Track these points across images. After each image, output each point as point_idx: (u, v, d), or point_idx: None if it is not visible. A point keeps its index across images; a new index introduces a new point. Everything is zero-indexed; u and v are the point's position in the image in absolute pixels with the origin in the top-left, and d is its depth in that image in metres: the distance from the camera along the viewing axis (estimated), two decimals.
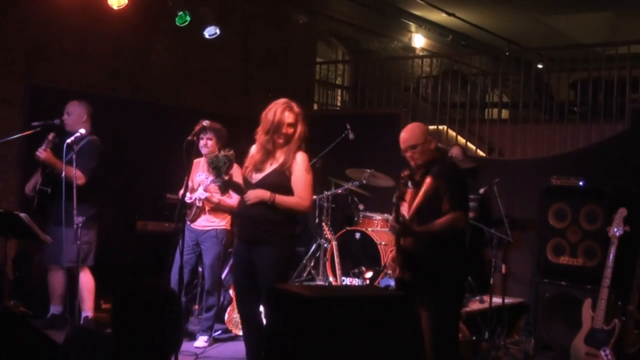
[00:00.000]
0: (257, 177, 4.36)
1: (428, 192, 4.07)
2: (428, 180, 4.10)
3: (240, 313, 4.56)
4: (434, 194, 4.08)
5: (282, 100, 4.38)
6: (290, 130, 4.31)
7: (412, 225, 4.07)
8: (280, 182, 4.29)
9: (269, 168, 4.34)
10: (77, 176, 5.32)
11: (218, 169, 4.27)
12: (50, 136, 5.37)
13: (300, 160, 4.32)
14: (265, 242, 4.28)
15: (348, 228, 6.96)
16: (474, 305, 6.21)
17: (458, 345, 4.54)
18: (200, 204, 5.64)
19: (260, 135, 4.38)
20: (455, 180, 4.21)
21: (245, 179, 4.42)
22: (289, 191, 4.30)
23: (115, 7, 6.03)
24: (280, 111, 4.31)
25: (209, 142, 5.60)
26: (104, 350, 2.78)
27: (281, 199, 4.26)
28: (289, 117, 4.30)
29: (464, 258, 4.32)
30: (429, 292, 4.12)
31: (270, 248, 4.27)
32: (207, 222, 5.68)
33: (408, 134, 4.27)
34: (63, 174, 5.21)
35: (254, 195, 4.26)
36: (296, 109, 4.34)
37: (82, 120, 5.62)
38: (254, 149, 4.45)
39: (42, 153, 5.33)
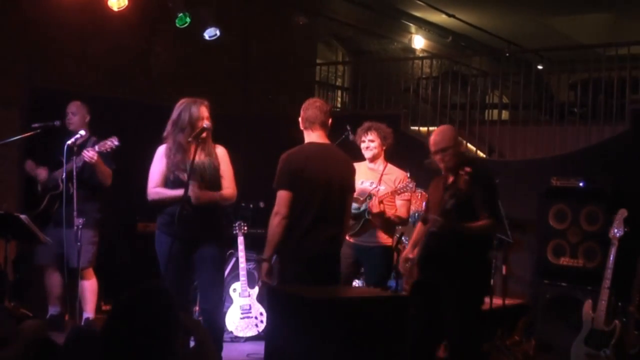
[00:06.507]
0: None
1: (461, 196, 4.07)
2: (463, 182, 4.10)
3: None
4: (466, 199, 4.08)
5: (188, 99, 4.54)
6: (209, 123, 4.50)
7: (454, 222, 4.08)
8: (216, 175, 4.53)
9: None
10: (110, 177, 5.53)
11: (202, 177, 4.45)
12: (70, 141, 5.20)
13: (224, 153, 4.62)
14: (210, 240, 4.50)
15: None
16: None
17: (480, 344, 4.56)
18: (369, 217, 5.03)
19: (176, 135, 4.50)
20: (491, 187, 4.27)
21: (175, 179, 4.48)
22: (220, 183, 4.56)
23: (115, 8, 6.02)
24: (196, 107, 4.49)
25: (371, 144, 5.17)
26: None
27: (223, 194, 4.54)
28: (205, 112, 4.51)
29: (489, 261, 4.35)
30: (452, 292, 4.12)
31: (214, 245, 4.52)
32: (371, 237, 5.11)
33: (439, 136, 4.26)
34: (88, 176, 5.25)
35: (207, 196, 4.42)
36: (206, 102, 4.56)
37: (86, 121, 5.67)
38: (163, 150, 4.58)
39: (95, 155, 5.24)
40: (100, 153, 5.27)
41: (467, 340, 4.19)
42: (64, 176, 5.37)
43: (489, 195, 4.15)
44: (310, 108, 4.39)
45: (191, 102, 4.51)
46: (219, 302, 4.67)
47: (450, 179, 4.27)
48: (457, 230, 4.11)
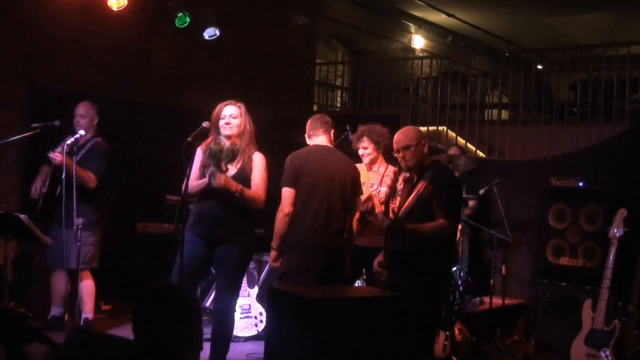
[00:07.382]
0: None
1: (421, 196, 4.10)
2: (422, 184, 4.13)
3: None
4: (427, 199, 4.11)
5: (228, 101, 4.64)
6: (234, 122, 4.53)
7: (403, 222, 4.11)
8: (245, 182, 4.50)
9: (233, 169, 4.49)
10: (91, 179, 5.37)
11: (219, 160, 4.35)
12: (70, 141, 5.18)
13: (261, 160, 4.62)
14: (232, 241, 4.49)
15: None
16: (475, 307, 6.21)
17: (433, 344, 4.67)
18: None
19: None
20: (450, 189, 4.27)
21: (204, 176, 4.48)
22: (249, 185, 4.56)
23: (115, 8, 6.03)
24: (226, 108, 4.56)
25: (365, 152, 5.17)
26: (103, 352, 2.79)
27: (248, 192, 4.49)
28: (230, 111, 4.55)
29: (447, 262, 4.39)
30: (412, 292, 4.14)
31: (236, 247, 4.51)
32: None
33: (401, 135, 4.35)
34: (72, 177, 5.11)
35: (224, 179, 4.33)
36: (239, 104, 4.62)
37: (94, 124, 5.63)
38: (200, 152, 4.54)
39: (58, 156, 5.17)
40: (87, 155, 5.24)
41: (419, 339, 4.22)
42: (44, 176, 5.40)
43: (445, 196, 4.17)
44: (313, 121, 4.80)
45: (225, 104, 4.61)
46: (232, 305, 4.68)
47: (421, 184, 4.29)
48: (406, 232, 4.15)
